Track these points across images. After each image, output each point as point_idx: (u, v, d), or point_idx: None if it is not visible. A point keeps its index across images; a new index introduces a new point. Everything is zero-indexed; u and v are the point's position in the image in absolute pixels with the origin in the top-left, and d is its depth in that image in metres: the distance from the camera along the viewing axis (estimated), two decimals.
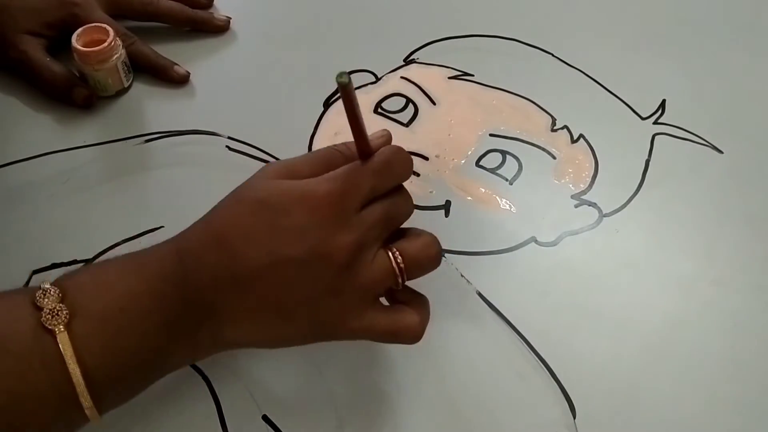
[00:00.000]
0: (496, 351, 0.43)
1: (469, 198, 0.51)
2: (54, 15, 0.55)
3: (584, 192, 0.51)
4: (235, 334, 0.35)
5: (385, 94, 0.57)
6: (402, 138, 0.54)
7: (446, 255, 0.47)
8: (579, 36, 0.62)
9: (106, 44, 0.53)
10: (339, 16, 0.63)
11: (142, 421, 0.40)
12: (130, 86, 0.57)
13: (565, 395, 0.42)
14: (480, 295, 0.45)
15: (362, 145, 0.36)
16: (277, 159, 0.52)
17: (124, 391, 0.34)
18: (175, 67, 0.57)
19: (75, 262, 0.46)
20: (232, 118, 0.55)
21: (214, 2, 0.63)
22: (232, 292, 0.34)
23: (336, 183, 0.35)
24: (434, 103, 0.56)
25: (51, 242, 0.47)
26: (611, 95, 0.57)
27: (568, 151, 0.54)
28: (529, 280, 0.47)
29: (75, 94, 0.54)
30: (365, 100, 0.56)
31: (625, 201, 0.51)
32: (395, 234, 0.37)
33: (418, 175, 0.52)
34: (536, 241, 0.49)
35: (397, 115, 0.55)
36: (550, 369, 0.43)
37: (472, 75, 0.58)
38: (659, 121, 0.56)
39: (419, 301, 0.38)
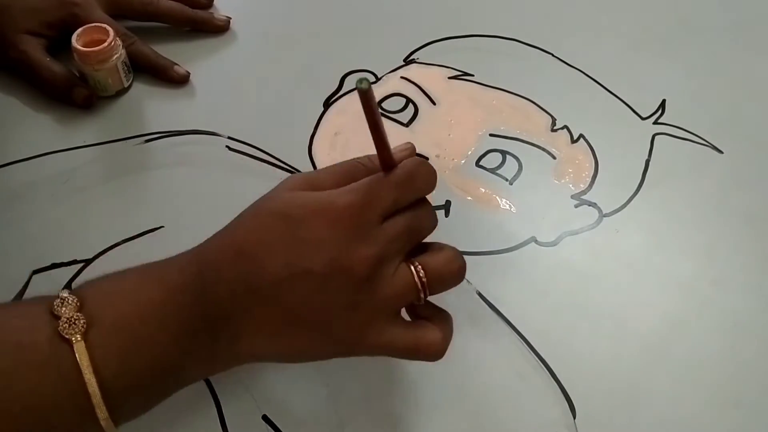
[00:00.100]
0: (496, 351, 0.43)
1: (469, 198, 0.51)
2: (54, 15, 0.55)
3: (584, 192, 0.52)
4: (252, 347, 0.34)
5: (385, 94, 0.57)
6: (402, 138, 0.53)
7: None
8: (579, 36, 0.62)
9: (106, 44, 0.53)
10: (339, 16, 0.63)
11: (142, 421, 0.40)
12: (130, 86, 0.57)
13: (565, 395, 0.42)
14: (480, 295, 0.45)
15: (384, 156, 0.35)
16: (277, 159, 0.52)
17: (140, 403, 0.34)
18: (175, 67, 0.57)
19: (75, 262, 0.46)
20: (232, 118, 0.55)
21: (214, 2, 0.63)
22: (249, 304, 0.33)
23: (357, 195, 0.34)
24: (434, 103, 0.56)
25: (51, 242, 0.47)
26: (611, 95, 0.57)
27: (568, 151, 0.54)
28: (529, 280, 0.47)
29: (75, 94, 0.54)
30: None
31: (625, 201, 0.51)
32: (417, 248, 0.36)
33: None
34: (536, 241, 0.49)
35: (397, 115, 0.55)
36: (550, 369, 0.43)
37: (472, 75, 0.58)
38: (659, 121, 0.56)
39: (442, 317, 0.37)
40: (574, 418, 0.41)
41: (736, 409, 0.42)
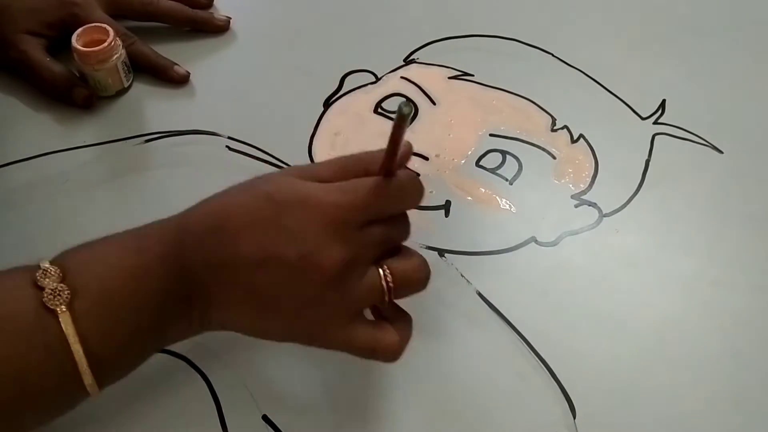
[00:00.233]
0: (496, 351, 0.43)
1: (469, 198, 0.51)
2: (54, 15, 0.55)
3: (584, 192, 0.52)
4: (221, 318, 0.36)
5: (385, 94, 0.57)
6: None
7: (446, 255, 0.47)
8: (579, 36, 0.62)
9: (106, 44, 0.53)
10: (339, 16, 0.63)
11: (142, 421, 0.40)
12: (130, 86, 0.57)
13: (565, 395, 0.42)
14: (480, 295, 0.45)
15: (388, 165, 0.35)
16: (277, 159, 0.52)
17: (122, 367, 0.35)
18: (175, 67, 0.57)
19: None
20: (232, 118, 0.55)
21: (214, 2, 0.63)
22: (222, 278, 0.34)
23: (346, 196, 0.35)
24: (434, 103, 0.56)
25: (51, 242, 0.47)
26: (611, 95, 0.57)
27: (568, 151, 0.54)
28: (529, 280, 0.47)
29: (75, 94, 0.54)
30: (365, 100, 0.56)
31: (625, 201, 0.51)
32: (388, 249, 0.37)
33: (418, 175, 0.52)
34: (536, 241, 0.49)
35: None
36: (550, 369, 0.43)
37: (472, 75, 0.58)
38: (659, 121, 0.56)
39: (403, 320, 0.38)
40: (574, 418, 0.41)
41: (735, 408, 0.42)
